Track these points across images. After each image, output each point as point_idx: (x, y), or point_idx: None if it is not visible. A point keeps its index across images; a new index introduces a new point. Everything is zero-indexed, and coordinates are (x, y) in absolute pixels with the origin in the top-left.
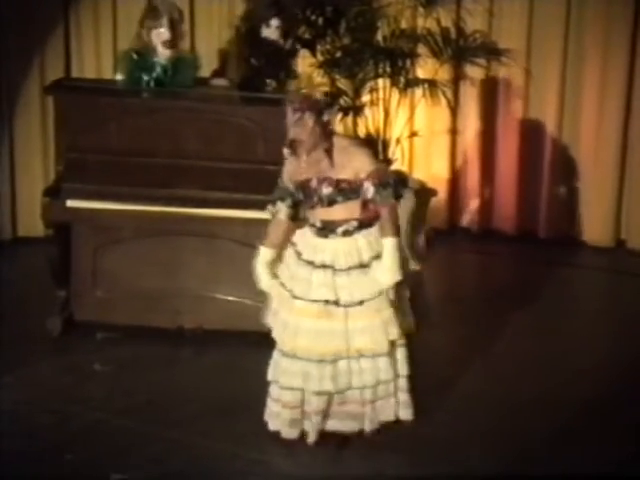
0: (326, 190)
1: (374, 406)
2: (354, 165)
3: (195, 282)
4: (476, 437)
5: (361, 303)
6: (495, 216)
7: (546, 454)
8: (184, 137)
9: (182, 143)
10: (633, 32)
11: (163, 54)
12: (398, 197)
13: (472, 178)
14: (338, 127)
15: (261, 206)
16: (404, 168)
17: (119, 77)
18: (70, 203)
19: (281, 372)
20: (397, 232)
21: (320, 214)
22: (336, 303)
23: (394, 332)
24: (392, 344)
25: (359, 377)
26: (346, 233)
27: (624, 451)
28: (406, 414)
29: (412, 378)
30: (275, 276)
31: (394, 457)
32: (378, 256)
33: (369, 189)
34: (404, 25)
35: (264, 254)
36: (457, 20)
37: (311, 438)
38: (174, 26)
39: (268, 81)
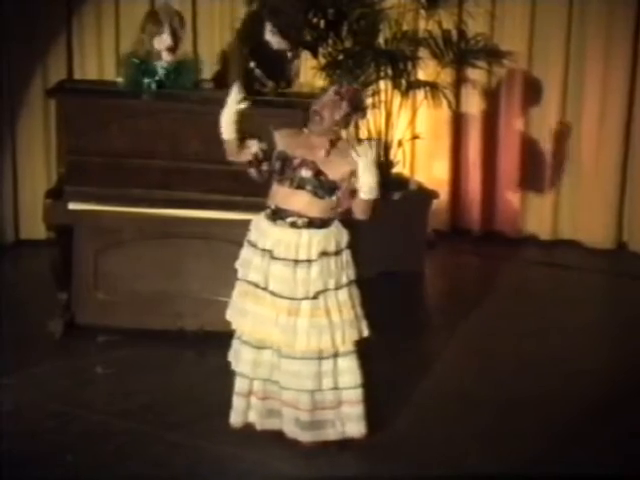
0: (304, 173)
1: (296, 412)
2: (342, 168)
3: (196, 284)
4: (475, 438)
5: (287, 298)
6: (496, 218)
7: (546, 455)
8: (185, 139)
9: (183, 145)
10: (635, 35)
11: (166, 59)
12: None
13: (473, 180)
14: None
15: (261, 208)
16: (405, 171)
17: (120, 81)
18: (72, 205)
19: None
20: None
21: (279, 197)
22: (265, 289)
23: (326, 339)
24: (321, 352)
25: (278, 372)
26: (293, 224)
27: (624, 452)
28: (353, 429)
29: (363, 390)
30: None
31: (391, 459)
32: (315, 259)
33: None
34: (406, 28)
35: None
36: (459, 23)
37: (259, 426)
38: (175, 32)
39: (268, 85)
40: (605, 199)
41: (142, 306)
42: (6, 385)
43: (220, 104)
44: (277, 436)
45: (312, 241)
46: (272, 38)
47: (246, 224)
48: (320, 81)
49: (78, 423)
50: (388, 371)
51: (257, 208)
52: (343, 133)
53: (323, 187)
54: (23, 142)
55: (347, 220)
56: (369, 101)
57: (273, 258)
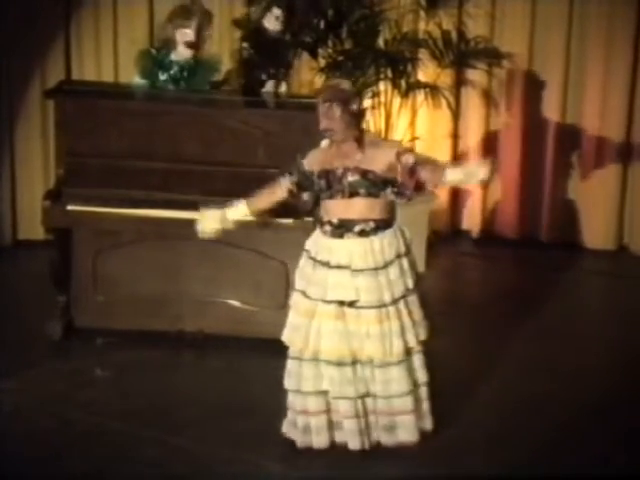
0: (352, 178)
1: (390, 420)
2: (384, 157)
3: (195, 286)
4: (478, 440)
5: (375, 307)
6: (497, 220)
7: (549, 456)
8: (184, 141)
9: (182, 147)
10: (636, 36)
11: (183, 54)
12: None
13: None
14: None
15: None
16: None
17: (137, 81)
18: (70, 207)
19: (303, 379)
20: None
21: (338, 210)
22: (350, 304)
23: (410, 339)
24: (408, 352)
25: (373, 385)
26: (362, 233)
27: (625, 452)
28: (426, 424)
29: (430, 385)
30: (218, 233)
31: (395, 460)
32: (391, 261)
33: (408, 157)
34: (406, 29)
35: (239, 207)
36: (459, 24)
37: (352, 444)
38: (200, 30)
39: (265, 75)
40: (606, 200)
41: (141, 308)
42: (5, 387)
43: (219, 106)
44: (283, 441)
45: (384, 245)
46: (272, 23)
47: (246, 226)
48: (320, 82)
49: (76, 425)
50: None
51: None
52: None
53: (376, 184)
54: (21, 143)
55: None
56: (364, 98)
57: (354, 271)
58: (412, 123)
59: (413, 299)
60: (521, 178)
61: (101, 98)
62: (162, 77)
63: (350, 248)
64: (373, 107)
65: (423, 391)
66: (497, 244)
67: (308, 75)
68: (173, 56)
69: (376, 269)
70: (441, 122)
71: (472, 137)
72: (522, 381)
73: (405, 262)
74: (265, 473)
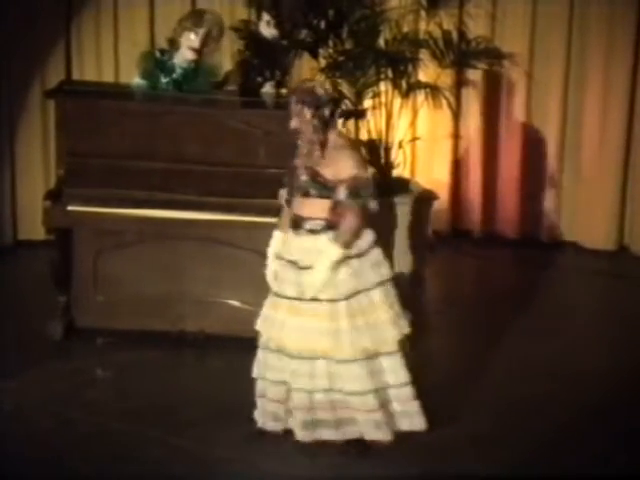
0: (304, 178)
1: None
2: (338, 166)
3: (196, 286)
4: (476, 440)
5: (324, 303)
6: (497, 220)
7: (546, 457)
8: (185, 141)
9: (183, 147)
10: (636, 36)
11: (185, 56)
12: (364, 206)
13: (474, 182)
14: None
15: (262, 210)
16: (406, 172)
17: (136, 81)
18: (71, 207)
19: (268, 368)
20: (347, 245)
21: (296, 207)
22: (303, 300)
23: (367, 340)
24: (369, 352)
25: (335, 380)
26: (312, 231)
27: (624, 453)
28: (410, 424)
29: (413, 385)
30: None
31: (391, 460)
32: (341, 260)
33: (341, 192)
34: (406, 29)
35: (275, 237)
36: (459, 24)
37: (297, 435)
38: (207, 40)
39: (261, 78)
40: (606, 200)
41: (142, 308)
42: (5, 387)
43: (219, 106)
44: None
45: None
46: (266, 29)
47: (247, 226)
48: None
49: (77, 425)
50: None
51: (258, 210)
52: (334, 134)
53: (326, 188)
54: (22, 143)
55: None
56: (335, 93)
57: (302, 268)
58: (413, 123)
59: (380, 299)
60: (522, 178)
61: (102, 98)
62: (163, 80)
63: (301, 245)
64: (374, 107)
65: (406, 391)
66: (497, 244)
67: (308, 75)
68: (175, 57)
69: None
70: (442, 122)
71: (473, 137)
72: (522, 381)
73: (357, 263)
74: (265, 473)
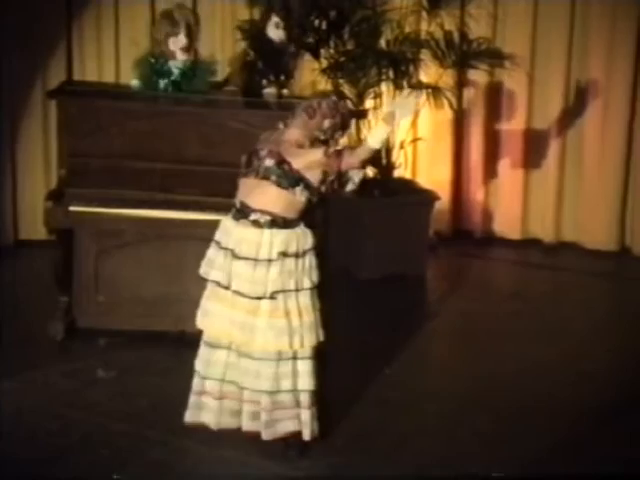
0: (269, 162)
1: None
2: (309, 155)
3: (197, 287)
4: (477, 440)
5: (247, 297)
6: (498, 221)
7: (548, 458)
8: (186, 141)
9: (184, 148)
10: (637, 37)
11: (180, 59)
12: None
13: (475, 183)
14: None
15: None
16: (407, 173)
17: (135, 83)
18: (73, 208)
19: (202, 361)
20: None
21: (244, 191)
22: (226, 288)
23: (280, 341)
24: (281, 353)
25: (236, 372)
26: (255, 223)
27: (626, 453)
28: (305, 433)
29: (316, 394)
30: None
31: (391, 460)
32: (275, 259)
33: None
34: (408, 30)
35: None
36: (461, 25)
37: (212, 424)
38: (191, 32)
39: (265, 80)
40: (607, 201)
41: (143, 309)
42: (7, 387)
43: (220, 107)
44: (235, 434)
45: (273, 241)
46: (274, 31)
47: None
48: (322, 83)
49: (79, 425)
50: (389, 372)
51: None
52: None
53: (287, 176)
54: (23, 143)
55: (312, 224)
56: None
57: (235, 257)
58: (414, 124)
59: (306, 303)
60: (523, 179)
61: (103, 99)
62: (162, 84)
63: (241, 234)
64: (375, 108)
65: (305, 398)
66: (499, 245)
67: (310, 76)
68: (170, 60)
69: (256, 260)
70: (443, 123)
71: (474, 138)
72: (523, 382)
73: (293, 264)
74: (265, 473)
